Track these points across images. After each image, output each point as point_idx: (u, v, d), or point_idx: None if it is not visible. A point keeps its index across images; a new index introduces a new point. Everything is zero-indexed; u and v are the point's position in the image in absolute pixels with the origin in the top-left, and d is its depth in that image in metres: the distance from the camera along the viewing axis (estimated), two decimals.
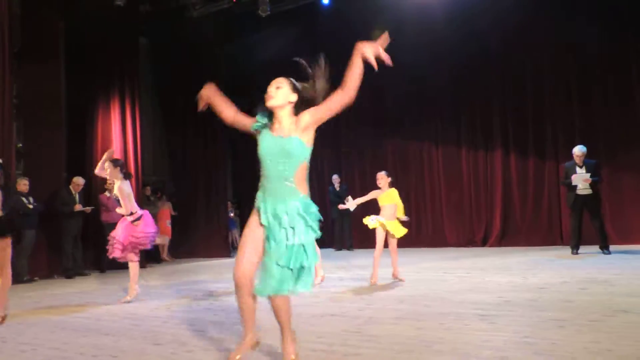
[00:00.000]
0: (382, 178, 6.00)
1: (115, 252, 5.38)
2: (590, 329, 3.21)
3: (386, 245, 5.93)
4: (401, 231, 5.91)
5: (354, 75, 2.65)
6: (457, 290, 5.03)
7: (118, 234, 5.39)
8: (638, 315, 3.48)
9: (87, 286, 7.10)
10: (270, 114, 2.72)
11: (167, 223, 10.73)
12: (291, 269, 2.58)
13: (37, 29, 8.51)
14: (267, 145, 2.67)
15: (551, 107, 9.39)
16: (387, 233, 5.86)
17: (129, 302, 5.34)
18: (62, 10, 8.89)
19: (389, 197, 5.94)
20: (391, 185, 6.02)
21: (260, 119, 2.73)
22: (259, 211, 2.68)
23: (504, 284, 5.20)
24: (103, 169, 5.42)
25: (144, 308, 4.96)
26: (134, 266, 5.49)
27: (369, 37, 10.31)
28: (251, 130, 2.76)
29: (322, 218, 2.77)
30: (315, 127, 2.68)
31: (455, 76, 10.35)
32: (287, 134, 2.65)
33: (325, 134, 12.73)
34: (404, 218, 6.04)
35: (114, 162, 5.46)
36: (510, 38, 9.75)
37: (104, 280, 7.79)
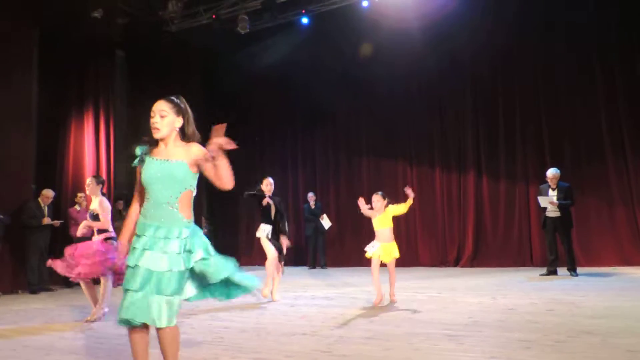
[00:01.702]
0: (378, 201, 5.66)
1: (69, 272, 5.12)
2: (554, 350, 3.28)
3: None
4: (393, 255, 5.71)
5: (224, 172, 2.54)
6: (428, 310, 5.07)
7: (84, 252, 5.14)
8: (600, 337, 3.56)
9: (53, 302, 6.90)
10: (150, 142, 2.67)
11: None
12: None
13: (10, 37, 8.37)
14: (152, 170, 2.58)
15: (522, 131, 9.63)
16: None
17: (92, 321, 5.09)
18: (36, 19, 8.77)
19: (384, 221, 5.65)
20: (387, 205, 5.71)
21: (139, 152, 2.67)
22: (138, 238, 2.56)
23: (474, 305, 5.26)
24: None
25: (109, 326, 4.84)
26: (104, 283, 5.28)
27: (346, 55, 10.43)
28: (133, 166, 2.67)
29: (207, 247, 2.59)
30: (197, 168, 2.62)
31: (428, 98, 10.55)
32: (174, 158, 2.59)
33: (300, 152, 12.85)
34: (409, 193, 5.70)
35: (97, 179, 5.45)
36: (482, 62, 10.01)
37: (70, 296, 7.58)
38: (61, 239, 8.73)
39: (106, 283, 5.30)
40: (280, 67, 11.39)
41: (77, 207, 8.86)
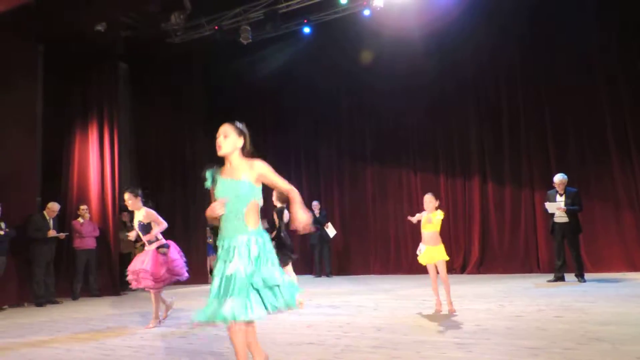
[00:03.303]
0: (430, 201, 5.42)
1: (142, 283, 5.36)
2: (563, 358, 3.24)
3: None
4: (437, 257, 5.39)
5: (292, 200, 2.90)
6: (435, 318, 5.03)
7: (146, 265, 5.33)
8: (610, 344, 3.52)
9: (59, 315, 6.89)
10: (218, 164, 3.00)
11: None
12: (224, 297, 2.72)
13: (15, 51, 8.44)
14: (221, 189, 2.90)
15: (527, 137, 9.59)
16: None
17: (153, 327, 5.36)
18: (41, 33, 8.84)
19: (431, 223, 5.42)
20: (438, 208, 5.47)
21: (209, 174, 2.98)
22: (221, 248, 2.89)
23: (481, 312, 5.22)
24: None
25: (116, 337, 4.83)
26: (155, 294, 5.47)
27: (349, 63, 10.43)
28: (207, 187, 2.99)
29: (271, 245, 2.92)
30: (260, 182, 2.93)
31: (433, 105, 10.53)
32: (237, 176, 2.88)
33: (304, 160, 12.83)
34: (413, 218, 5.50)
35: (134, 192, 5.50)
36: (486, 69, 10.00)
37: (76, 308, 7.57)
38: (66, 251, 8.75)
39: (157, 294, 5.47)
40: (283, 77, 11.45)
41: (80, 219, 8.87)
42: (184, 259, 5.68)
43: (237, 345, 2.76)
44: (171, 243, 5.60)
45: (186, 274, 5.62)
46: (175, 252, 5.56)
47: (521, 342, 3.73)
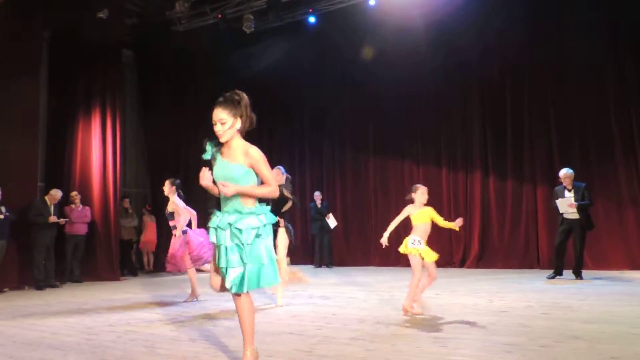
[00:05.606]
0: (423, 193, 5.16)
1: (168, 267, 6.26)
2: (537, 355, 3.20)
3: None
4: (433, 255, 5.17)
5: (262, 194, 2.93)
6: (422, 311, 5.00)
7: (175, 249, 6.06)
8: (587, 342, 3.48)
9: (56, 298, 7.00)
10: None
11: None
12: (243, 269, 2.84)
13: (19, 38, 8.50)
14: (217, 169, 2.93)
15: (530, 131, 9.47)
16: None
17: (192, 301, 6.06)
18: (45, 21, 8.89)
19: (423, 215, 5.24)
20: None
21: (210, 148, 2.96)
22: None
23: (469, 307, 5.19)
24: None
25: (103, 322, 4.89)
26: (190, 272, 6.14)
27: (353, 54, 10.35)
28: (205, 159, 3.00)
29: (259, 225, 2.89)
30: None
31: (436, 97, 10.44)
32: (234, 159, 2.88)
33: (308, 151, 12.77)
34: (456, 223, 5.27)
35: (172, 182, 6.14)
36: (490, 61, 9.87)
37: (74, 292, 7.68)
38: (61, 237, 8.79)
39: (190, 272, 6.13)
40: (287, 66, 11.41)
41: (72, 205, 8.92)
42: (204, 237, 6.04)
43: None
44: (198, 231, 6.18)
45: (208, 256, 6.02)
46: (195, 240, 6.06)
47: (499, 338, 3.70)
